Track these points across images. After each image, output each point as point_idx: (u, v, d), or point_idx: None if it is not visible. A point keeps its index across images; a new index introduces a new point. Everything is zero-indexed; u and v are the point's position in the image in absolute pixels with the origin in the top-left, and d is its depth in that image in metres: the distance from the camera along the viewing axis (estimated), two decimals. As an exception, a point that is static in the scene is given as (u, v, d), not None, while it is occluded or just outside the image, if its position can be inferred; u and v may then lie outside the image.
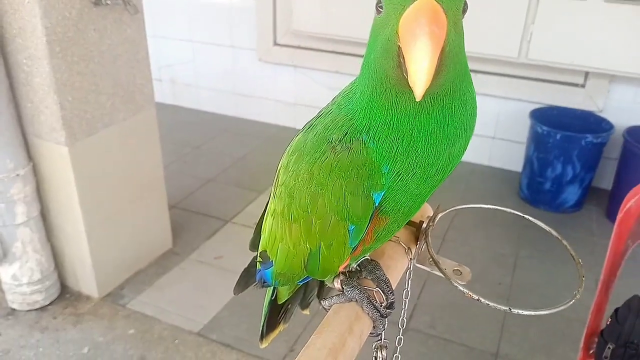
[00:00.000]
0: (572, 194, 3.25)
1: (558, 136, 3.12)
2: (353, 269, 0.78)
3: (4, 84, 2.10)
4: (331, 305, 0.73)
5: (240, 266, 0.95)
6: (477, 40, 3.38)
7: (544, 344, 2.38)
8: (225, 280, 2.64)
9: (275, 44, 4.09)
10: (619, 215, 1.59)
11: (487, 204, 3.37)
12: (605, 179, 3.47)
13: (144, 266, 2.71)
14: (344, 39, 3.75)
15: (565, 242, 0.89)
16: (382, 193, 0.64)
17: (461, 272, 0.85)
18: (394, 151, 0.62)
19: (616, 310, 1.54)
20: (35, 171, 2.29)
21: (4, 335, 2.27)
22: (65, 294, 2.51)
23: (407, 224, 0.85)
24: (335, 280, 0.75)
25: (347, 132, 0.64)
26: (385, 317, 0.73)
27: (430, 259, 0.85)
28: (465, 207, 0.93)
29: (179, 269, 2.72)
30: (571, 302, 0.77)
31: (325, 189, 0.65)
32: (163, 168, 2.78)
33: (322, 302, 0.75)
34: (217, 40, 4.32)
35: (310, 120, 0.71)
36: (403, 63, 0.55)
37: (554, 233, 0.91)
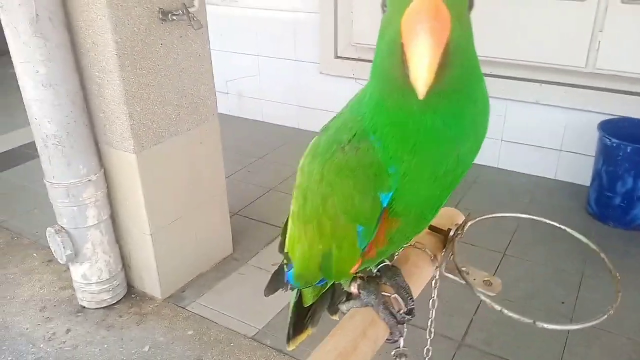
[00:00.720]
0: (644, 209, 3.08)
1: (628, 149, 2.98)
2: (373, 274, 0.79)
3: (79, 95, 2.26)
4: (349, 309, 0.75)
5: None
6: (542, 49, 3.30)
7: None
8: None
9: (337, 56, 4.15)
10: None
11: (550, 220, 3.25)
12: (682, 194, 3.27)
13: (205, 270, 2.81)
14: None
15: (603, 255, 0.87)
16: (390, 194, 0.64)
17: (491, 283, 0.84)
18: (400, 151, 0.62)
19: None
20: (106, 177, 2.44)
21: (72, 331, 2.42)
22: (131, 294, 2.65)
23: (434, 231, 0.86)
24: (353, 284, 0.77)
25: (355, 133, 0.65)
26: (402, 324, 0.74)
27: (462, 269, 0.85)
28: (498, 216, 0.92)
29: (237, 274, 2.81)
30: (604, 318, 0.75)
31: (334, 189, 0.66)
32: (226, 177, 2.89)
33: (340, 305, 0.77)
34: (281, 54, 4.43)
35: (327, 123, 0.74)
36: (407, 61, 0.54)
37: (592, 245, 0.89)
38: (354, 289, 0.77)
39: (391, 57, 0.57)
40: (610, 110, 3.32)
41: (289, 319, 0.97)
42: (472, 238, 3.05)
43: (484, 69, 3.06)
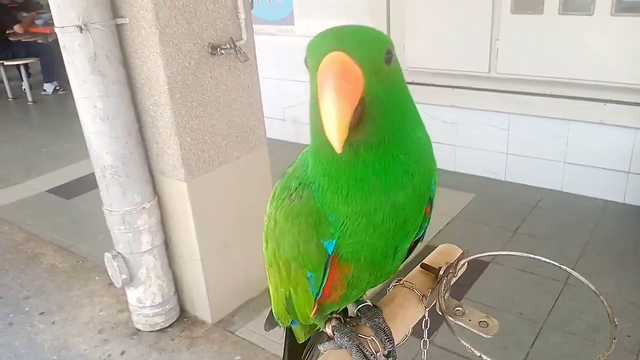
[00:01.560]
0: None
1: (702, 171, 2.77)
2: (354, 315, 0.79)
3: (134, 127, 2.38)
4: (325, 350, 0.74)
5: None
6: (605, 67, 3.15)
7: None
8: (328, 313, 2.69)
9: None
10: None
11: (618, 247, 3.11)
12: None
13: (255, 295, 2.85)
14: (457, 73, 3.71)
15: (602, 298, 0.81)
16: (334, 241, 0.64)
17: (487, 325, 0.81)
18: (335, 201, 0.63)
19: None
20: (159, 204, 2.55)
21: (127, 353, 2.52)
22: (183, 317, 2.73)
23: (426, 269, 0.84)
24: (328, 325, 0.76)
25: (301, 182, 0.67)
26: (377, 366, 0.73)
27: (456, 309, 0.82)
28: (487, 255, 0.88)
29: (286, 300, 2.83)
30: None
31: (284, 235, 0.68)
32: (276, 202, 2.93)
33: (318, 346, 0.76)
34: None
35: (287, 167, 0.75)
36: None
37: (592, 287, 0.84)
38: (328, 330, 0.76)
39: (315, 110, 0.59)
40: (681, 129, 3.12)
41: (282, 354, 0.98)
42: (532, 267, 2.92)
43: (545, 89, 2.97)
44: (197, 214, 2.48)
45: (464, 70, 3.68)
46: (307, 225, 0.65)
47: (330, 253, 0.66)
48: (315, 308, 0.72)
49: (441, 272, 0.82)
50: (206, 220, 2.53)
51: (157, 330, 2.64)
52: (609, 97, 3.30)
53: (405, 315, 0.78)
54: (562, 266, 0.86)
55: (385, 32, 3.92)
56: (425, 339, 0.83)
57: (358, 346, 0.72)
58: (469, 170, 4.02)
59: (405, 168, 0.63)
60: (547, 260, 0.86)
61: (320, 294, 0.70)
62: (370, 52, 0.56)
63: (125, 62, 2.32)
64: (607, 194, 3.54)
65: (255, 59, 2.63)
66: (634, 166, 3.39)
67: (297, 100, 4.78)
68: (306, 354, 0.97)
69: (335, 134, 0.52)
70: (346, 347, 0.73)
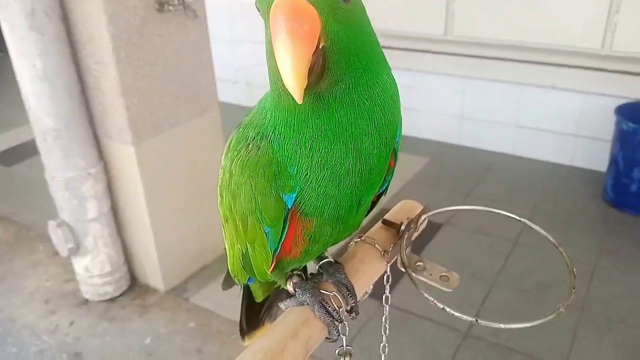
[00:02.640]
0: (662, 196, 2.96)
1: (646, 133, 2.86)
2: (315, 271, 0.75)
3: (77, 88, 2.25)
4: (287, 307, 0.71)
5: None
6: (558, 32, 3.18)
7: (619, 357, 2.19)
8: (284, 278, 2.67)
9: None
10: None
11: (567, 208, 3.17)
12: None
13: (209, 262, 2.80)
14: (412, 35, 3.68)
15: (561, 249, 0.80)
16: (294, 195, 0.61)
17: (448, 279, 0.79)
18: (297, 153, 0.59)
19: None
20: (106, 169, 2.44)
21: (76, 323, 2.44)
22: (134, 286, 2.65)
23: (387, 225, 0.81)
24: (289, 282, 0.73)
25: (259, 131, 0.63)
26: (341, 322, 0.70)
27: (417, 263, 0.80)
28: (455, 209, 0.86)
29: (241, 265, 2.79)
30: (553, 316, 0.69)
31: (240, 188, 0.64)
32: (230, 167, 2.86)
33: (279, 303, 0.73)
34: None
35: (243, 117, 0.71)
36: None
37: (551, 239, 0.83)
38: (290, 287, 0.73)
39: (271, 58, 0.55)
40: (628, 93, 3.19)
41: (240, 314, 0.94)
42: (485, 227, 2.98)
43: (498, 53, 2.96)
44: (146, 179, 2.39)
45: (420, 33, 3.65)
46: (265, 177, 0.61)
47: (290, 207, 0.62)
48: (273, 264, 0.69)
49: (403, 227, 0.79)
50: (156, 186, 2.44)
51: (107, 300, 2.55)
52: (560, 61, 3.34)
53: (366, 271, 0.75)
54: (521, 219, 0.85)
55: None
56: (387, 294, 0.80)
57: (320, 302, 0.69)
58: (424, 134, 4.03)
59: (371, 115, 0.59)
60: (506, 213, 0.84)
61: (279, 250, 0.66)
62: None
63: (66, 19, 2.18)
64: (556, 156, 3.62)
65: (206, 16, 2.52)
66: (582, 130, 3.47)
67: (251, 61, 4.64)
68: (264, 312, 0.94)
69: (293, 82, 0.48)
70: (308, 304, 0.70)
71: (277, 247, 0.66)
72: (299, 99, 0.49)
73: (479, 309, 2.46)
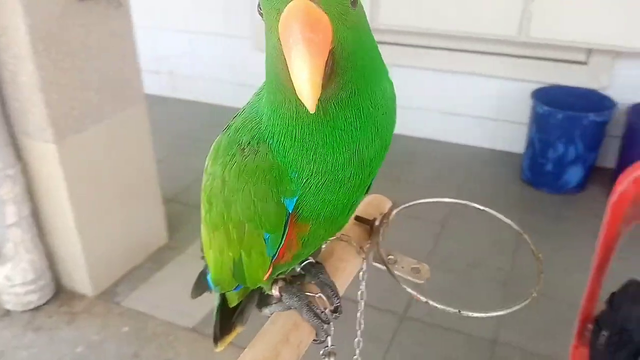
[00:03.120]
0: (574, 174, 3.17)
1: (559, 116, 3.04)
2: (296, 273, 0.74)
3: (-11, 84, 2.08)
4: (272, 313, 0.69)
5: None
6: (476, 20, 3.30)
7: (546, 329, 2.33)
8: (221, 273, 2.62)
9: (271, 31, 4.02)
10: (612, 197, 1.54)
11: (488, 190, 3.29)
12: (609, 158, 3.37)
13: (139, 262, 2.69)
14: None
15: (526, 236, 0.84)
16: (295, 199, 0.59)
17: (419, 271, 0.80)
18: (299, 159, 0.58)
19: (612, 295, 1.48)
20: (25, 170, 2.28)
21: (-2, 336, 2.27)
22: (60, 293, 2.50)
23: (360, 221, 0.81)
24: (274, 286, 0.71)
25: (254, 135, 0.60)
26: (328, 323, 0.69)
27: (389, 257, 0.80)
28: (424, 202, 0.87)
29: (174, 263, 2.70)
30: (527, 302, 0.72)
31: (236, 195, 0.61)
32: (159, 161, 2.76)
33: (263, 309, 0.71)
34: (213, 30, 4.27)
35: (229, 120, 0.67)
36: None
37: (515, 226, 0.87)
38: (275, 292, 0.71)
39: (277, 64, 0.53)
40: (544, 78, 3.39)
41: (213, 321, 0.91)
42: (415, 211, 3.05)
43: (421, 41, 3.02)
44: (69, 178, 2.25)
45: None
46: (266, 182, 0.58)
47: (290, 211, 0.60)
48: (270, 270, 0.66)
49: (377, 223, 0.79)
50: (80, 185, 2.31)
51: (31, 309, 2.39)
52: (478, 49, 3.48)
53: (345, 268, 0.75)
54: (486, 209, 0.88)
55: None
56: (363, 289, 0.80)
57: (308, 305, 0.68)
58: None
59: (374, 121, 0.58)
60: (478, 206, 0.87)
61: (277, 255, 0.64)
62: None
63: (-25, 8, 2.00)
64: (478, 140, 3.78)
65: (129, 5, 2.39)
66: (500, 114, 3.64)
67: (172, 51, 4.48)
68: (236, 316, 0.91)
69: (309, 92, 0.46)
70: (296, 308, 0.68)
71: (276, 252, 0.64)
72: (312, 109, 0.47)
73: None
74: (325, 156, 0.57)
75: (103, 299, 2.47)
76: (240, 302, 0.89)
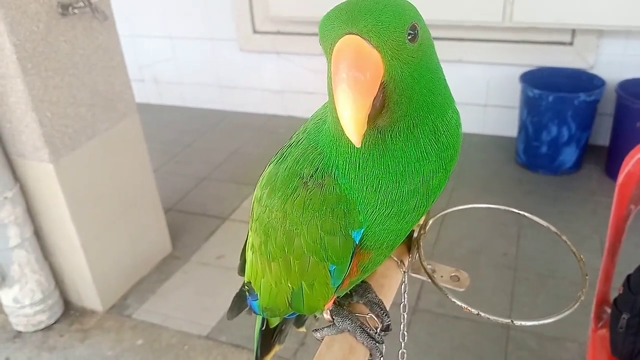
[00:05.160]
0: (569, 155, 3.21)
1: (550, 98, 3.07)
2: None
3: (-20, 107, 2.05)
4: (323, 337, 0.69)
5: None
6: (459, 8, 3.31)
7: (554, 310, 2.35)
8: (229, 279, 2.62)
9: (255, 31, 4.00)
10: (619, 179, 1.55)
11: (484, 175, 3.32)
12: (602, 136, 3.42)
13: (146, 274, 2.68)
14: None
15: (564, 238, 0.85)
16: (362, 230, 0.59)
17: (459, 278, 0.81)
18: (363, 190, 0.58)
19: (628, 277, 1.50)
20: (24, 191, 2.25)
21: (13, 359, 2.25)
22: (69, 310, 2.49)
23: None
24: (325, 311, 0.72)
25: (318, 167, 0.60)
26: (382, 343, 0.70)
27: (427, 268, 0.81)
28: (456, 210, 0.88)
29: (181, 272, 2.70)
30: (576, 306, 0.73)
31: (300, 228, 0.61)
32: (154, 171, 2.74)
33: (314, 333, 0.71)
34: (195, 34, 4.23)
35: (282, 149, 0.67)
36: None
37: (552, 228, 0.87)
38: (326, 315, 0.71)
39: (332, 97, 0.53)
40: (531, 61, 3.41)
41: (255, 342, 0.91)
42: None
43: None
44: (69, 196, 2.23)
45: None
46: (334, 216, 0.58)
47: (357, 243, 0.60)
48: (333, 299, 0.66)
49: (415, 235, 0.80)
50: (81, 202, 2.29)
51: (42, 329, 2.38)
52: (465, 36, 3.49)
53: (390, 284, 0.75)
54: (523, 213, 0.89)
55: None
56: (405, 302, 0.81)
57: (361, 327, 0.68)
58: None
59: (438, 154, 0.58)
60: (518, 211, 0.88)
61: (341, 285, 0.64)
62: (390, 32, 0.50)
63: (-41, 31, 1.96)
64: (468, 127, 3.79)
65: (113, 17, 2.37)
66: (490, 99, 3.66)
67: (156, 57, 4.44)
68: (275, 336, 0.91)
69: (353, 130, 0.48)
70: (349, 330, 0.69)
71: (341, 283, 0.64)
72: (357, 144, 0.49)
73: (421, 286, 2.55)
74: (388, 186, 0.57)
75: (114, 313, 2.46)
76: (280, 322, 0.89)
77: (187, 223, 3.06)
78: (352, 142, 0.48)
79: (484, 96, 3.66)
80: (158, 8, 4.22)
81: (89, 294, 2.46)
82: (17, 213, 2.20)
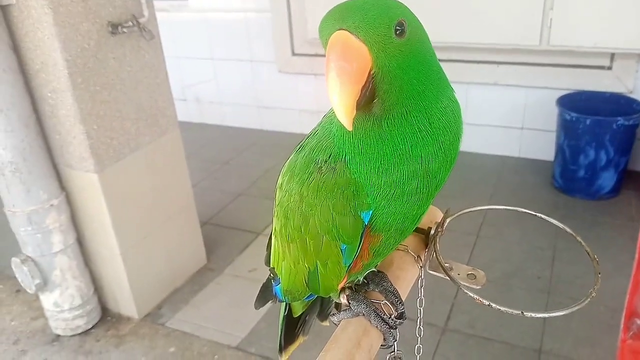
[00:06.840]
0: (607, 179, 3.16)
1: (588, 121, 3.04)
2: (360, 282, 0.78)
3: (32, 118, 2.17)
4: (340, 320, 0.73)
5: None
6: (497, 31, 3.33)
7: (589, 336, 2.31)
8: (260, 292, 2.66)
9: (294, 54, 4.12)
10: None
11: (520, 198, 3.31)
12: (642, 161, 3.36)
13: (180, 284, 2.75)
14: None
15: (579, 239, 0.86)
16: (370, 212, 0.64)
17: (475, 277, 0.83)
18: (369, 173, 0.63)
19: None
20: (69, 200, 2.36)
21: (50, 361, 2.34)
22: (106, 316, 2.57)
23: (415, 231, 0.84)
24: (342, 295, 0.76)
25: (330, 154, 0.65)
26: (395, 329, 0.73)
27: (444, 265, 0.84)
28: (473, 210, 0.91)
29: (214, 284, 2.76)
30: (587, 301, 0.75)
31: (314, 209, 0.66)
32: (193, 186, 2.83)
33: (330, 317, 0.75)
34: (236, 56, 4.38)
35: (302, 141, 0.72)
36: None
37: (568, 230, 0.89)
38: (343, 299, 0.75)
39: None
40: (568, 85, 3.39)
41: (279, 331, 0.96)
42: (449, 224, 3.06)
43: (442, 55, 3.06)
44: (112, 206, 2.33)
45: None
46: (344, 197, 0.64)
47: (366, 223, 0.65)
48: (345, 279, 0.71)
49: (432, 232, 0.83)
50: (122, 212, 2.39)
51: (79, 334, 2.46)
52: (501, 59, 3.51)
53: (405, 277, 0.79)
54: (538, 214, 0.90)
55: (285, 4, 3.89)
56: (421, 297, 0.84)
57: (375, 311, 0.72)
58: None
59: (434, 138, 0.63)
60: (529, 211, 0.90)
61: (352, 265, 0.69)
62: (375, 27, 0.56)
63: (17, 47, 2.10)
64: (504, 150, 3.79)
65: (159, 36, 2.49)
66: (526, 122, 3.65)
67: (197, 78, 4.61)
68: (299, 327, 0.96)
69: (342, 113, 0.54)
70: (364, 314, 0.72)
71: (352, 262, 0.68)
72: (348, 127, 0.55)
73: (453, 303, 2.54)
74: (388, 169, 0.62)
75: (148, 321, 2.54)
76: (303, 313, 0.93)
77: (222, 236, 3.13)
78: (344, 124, 0.55)
79: (520, 119, 3.65)
80: (202, 31, 4.39)
81: (125, 301, 2.54)
82: (61, 220, 2.31)
